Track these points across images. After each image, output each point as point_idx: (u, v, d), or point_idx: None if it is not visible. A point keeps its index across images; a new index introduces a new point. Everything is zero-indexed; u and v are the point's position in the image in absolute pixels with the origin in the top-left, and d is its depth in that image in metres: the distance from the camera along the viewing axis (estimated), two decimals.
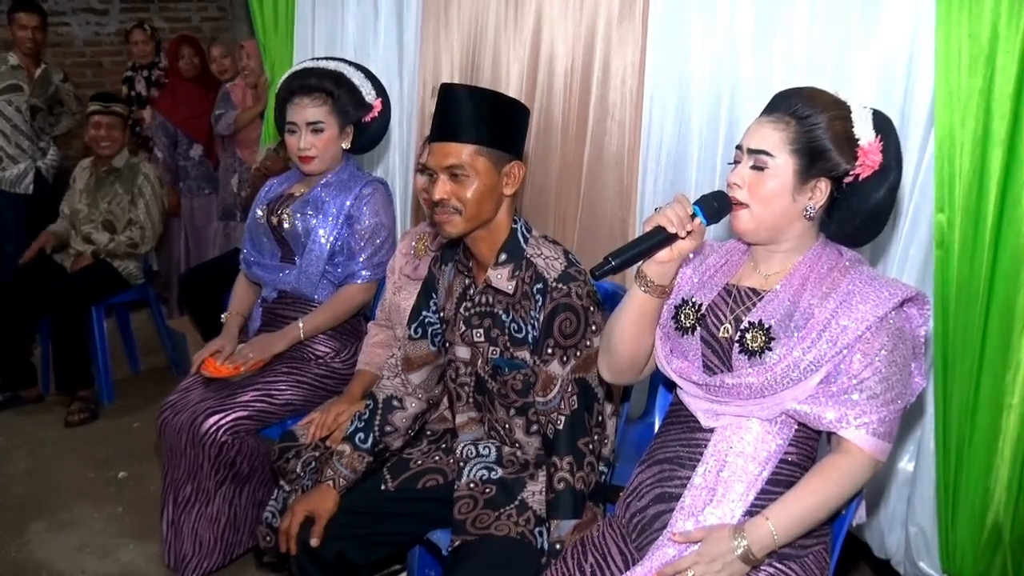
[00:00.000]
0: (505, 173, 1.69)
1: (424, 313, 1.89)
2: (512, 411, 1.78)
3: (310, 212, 2.36)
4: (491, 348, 1.76)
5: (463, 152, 1.64)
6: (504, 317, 1.73)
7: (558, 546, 1.59)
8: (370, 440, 1.86)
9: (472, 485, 1.76)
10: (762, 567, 1.38)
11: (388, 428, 1.88)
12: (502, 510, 1.70)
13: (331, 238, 2.35)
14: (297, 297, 2.41)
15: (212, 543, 2.34)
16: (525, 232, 1.76)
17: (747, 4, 2.08)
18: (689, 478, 1.43)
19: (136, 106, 4.81)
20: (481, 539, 1.66)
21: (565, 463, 1.62)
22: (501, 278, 1.72)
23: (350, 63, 2.40)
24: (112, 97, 3.84)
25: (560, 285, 1.65)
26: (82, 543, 2.61)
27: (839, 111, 1.40)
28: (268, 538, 2.08)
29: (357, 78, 2.36)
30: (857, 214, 1.44)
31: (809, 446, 1.46)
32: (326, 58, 2.45)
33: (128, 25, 5.20)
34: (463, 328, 1.79)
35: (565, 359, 1.65)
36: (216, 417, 2.18)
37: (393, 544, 1.92)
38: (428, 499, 1.84)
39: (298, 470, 2.03)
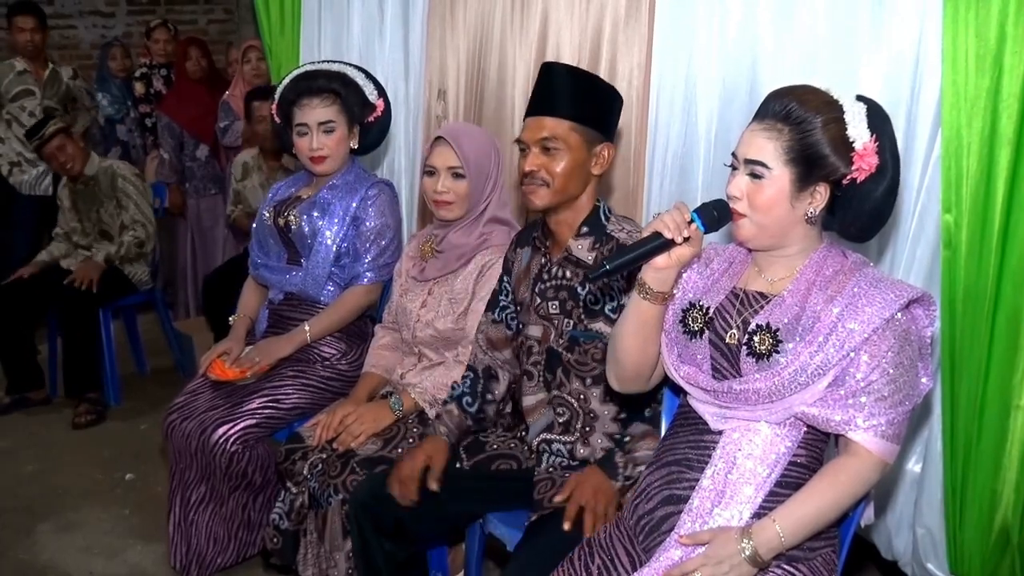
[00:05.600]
0: (595, 153, 1.75)
1: (500, 298, 1.96)
2: (589, 380, 1.80)
3: (316, 214, 2.36)
4: (566, 320, 1.79)
5: (559, 126, 1.71)
6: (580, 290, 1.78)
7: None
8: (476, 404, 1.95)
9: (551, 470, 1.81)
10: (769, 569, 1.38)
11: (488, 396, 1.97)
12: None
13: (337, 240, 2.35)
14: (303, 299, 2.42)
15: (227, 540, 2.37)
16: (607, 212, 1.82)
17: (753, 6, 2.07)
18: (697, 480, 1.43)
19: (155, 104, 4.81)
20: (559, 511, 1.70)
21: None
22: (582, 248, 1.79)
23: (349, 64, 2.41)
24: (39, 124, 3.65)
25: None
26: (89, 544, 2.62)
27: (832, 113, 1.38)
28: (275, 539, 2.08)
29: (359, 78, 2.38)
30: (859, 215, 1.43)
31: (818, 448, 1.46)
32: (324, 61, 2.46)
33: (141, 23, 5.17)
34: (538, 301, 1.83)
35: None
36: (224, 428, 2.19)
37: (454, 519, 1.95)
38: (500, 478, 1.89)
39: (305, 472, 2.03)
